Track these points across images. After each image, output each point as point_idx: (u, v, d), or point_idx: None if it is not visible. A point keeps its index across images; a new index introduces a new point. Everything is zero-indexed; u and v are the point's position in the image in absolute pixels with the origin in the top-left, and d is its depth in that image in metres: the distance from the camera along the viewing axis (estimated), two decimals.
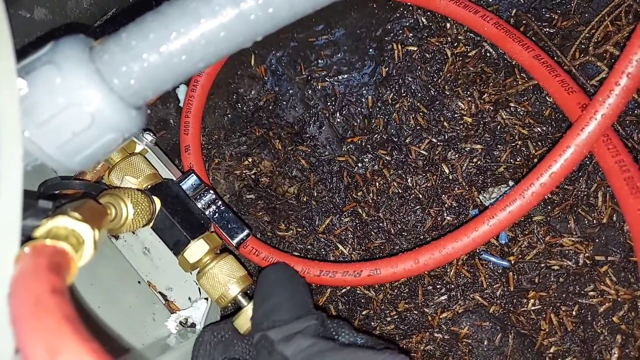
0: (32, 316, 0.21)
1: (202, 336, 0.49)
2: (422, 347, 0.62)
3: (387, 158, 0.64)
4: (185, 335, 0.56)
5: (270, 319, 0.45)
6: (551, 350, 0.59)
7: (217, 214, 0.52)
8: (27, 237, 0.32)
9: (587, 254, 0.59)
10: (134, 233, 0.59)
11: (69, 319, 0.20)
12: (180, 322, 0.57)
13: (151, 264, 0.59)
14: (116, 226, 0.44)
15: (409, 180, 0.63)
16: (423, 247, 0.52)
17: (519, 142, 0.61)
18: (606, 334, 0.58)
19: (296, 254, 0.64)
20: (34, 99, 0.28)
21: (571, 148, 0.45)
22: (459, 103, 0.62)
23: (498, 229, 0.48)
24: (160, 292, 0.59)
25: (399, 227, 0.63)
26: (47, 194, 0.46)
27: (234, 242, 0.53)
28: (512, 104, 0.61)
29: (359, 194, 0.64)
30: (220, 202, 0.52)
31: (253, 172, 0.67)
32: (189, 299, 0.58)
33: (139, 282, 0.58)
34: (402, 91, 0.63)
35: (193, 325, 0.57)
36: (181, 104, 0.68)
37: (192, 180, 0.52)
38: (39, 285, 0.23)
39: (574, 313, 0.59)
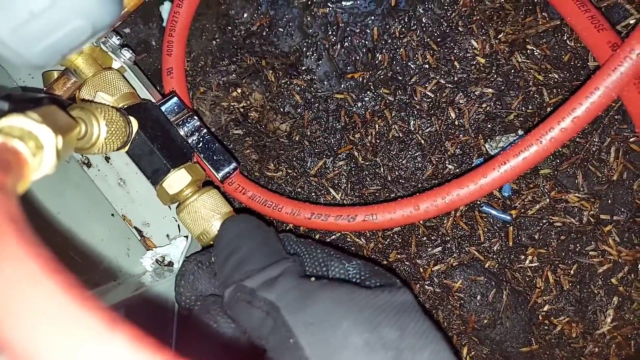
0: None
1: (184, 267, 0.45)
2: None
3: (390, 98, 0.59)
4: (161, 274, 0.52)
5: (242, 270, 0.39)
6: (544, 309, 0.57)
7: (201, 143, 0.47)
8: None
9: (592, 212, 0.56)
10: (108, 161, 0.54)
11: (12, 218, 0.16)
12: (157, 260, 0.53)
13: (127, 196, 0.54)
14: (86, 145, 0.38)
15: (411, 124, 0.59)
16: (425, 193, 0.48)
17: (533, 89, 0.56)
18: (603, 295, 0.56)
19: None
20: None
21: (600, 90, 0.41)
22: (472, 41, 0.57)
23: (509, 177, 0.44)
24: (135, 228, 0.55)
25: (397, 173, 0.59)
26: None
27: (219, 175, 0.48)
28: (529, 46, 0.56)
29: (356, 135, 0.60)
30: (205, 131, 0.47)
31: (242, 105, 0.61)
32: (167, 236, 0.54)
33: (112, 214, 0.53)
34: (412, 24, 0.58)
35: (170, 264, 0.53)
36: (165, 24, 0.61)
37: (174, 103, 0.47)
38: None
39: (571, 272, 0.56)
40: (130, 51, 0.51)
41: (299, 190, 0.61)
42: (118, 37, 0.51)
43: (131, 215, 0.54)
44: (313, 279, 0.39)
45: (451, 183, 0.47)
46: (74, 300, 0.13)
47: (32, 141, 0.25)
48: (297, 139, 0.60)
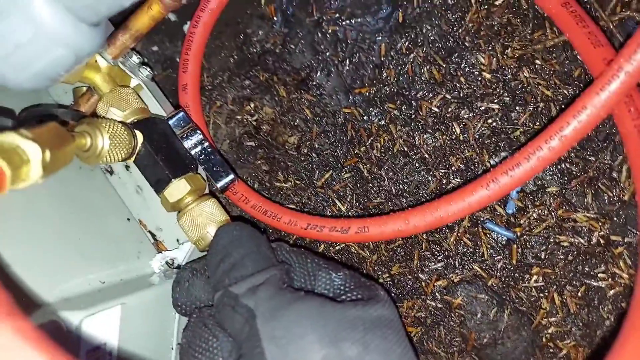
0: None
1: (180, 274, 0.48)
2: (412, 313, 0.59)
3: (396, 113, 0.60)
4: (170, 275, 0.56)
5: (232, 276, 0.42)
6: (549, 331, 0.55)
7: (203, 155, 0.50)
8: None
9: (602, 233, 0.53)
10: (127, 169, 0.59)
11: None
12: (167, 263, 0.57)
13: (143, 203, 0.59)
14: (92, 156, 0.43)
15: (416, 139, 0.59)
16: (415, 208, 0.49)
17: (541, 104, 0.55)
18: (612, 319, 0.53)
19: (292, 206, 0.62)
20: None
21: (587, 109, 0.40)
22: (479, 57, 0.57)
23: (498, 195, 0.44)
24: (149, 231, 0.59)
25: (401, 187, 0.60)
26: (28, 120, 0.45)
27: (219, 185, 0.51)
28: (537, 61, 0.55)
29: (362, 149, 0.61)
30: (207, 144, 0.50)
31: (255, 118, 0.64)
32: (177, 240, 0.58)
33: (128, 219, 0.58)
34: (419, 40, 0.58)
35: (179, 267, 0.57)
36: None
37: (180, 117, 0.50)
38: None
39: (579, 294, 0.54)
40: (149, 69, 0.56)
41: (305, 200, 0.63)
42: (138, 55, 0.56)
43: (146, 219, 0.58)
44: (291, 289, 0.41)
45: (440, 200, 0.47)
46: None
47: (18, 156, 0.29)
48: (305, 151, 0.63)
